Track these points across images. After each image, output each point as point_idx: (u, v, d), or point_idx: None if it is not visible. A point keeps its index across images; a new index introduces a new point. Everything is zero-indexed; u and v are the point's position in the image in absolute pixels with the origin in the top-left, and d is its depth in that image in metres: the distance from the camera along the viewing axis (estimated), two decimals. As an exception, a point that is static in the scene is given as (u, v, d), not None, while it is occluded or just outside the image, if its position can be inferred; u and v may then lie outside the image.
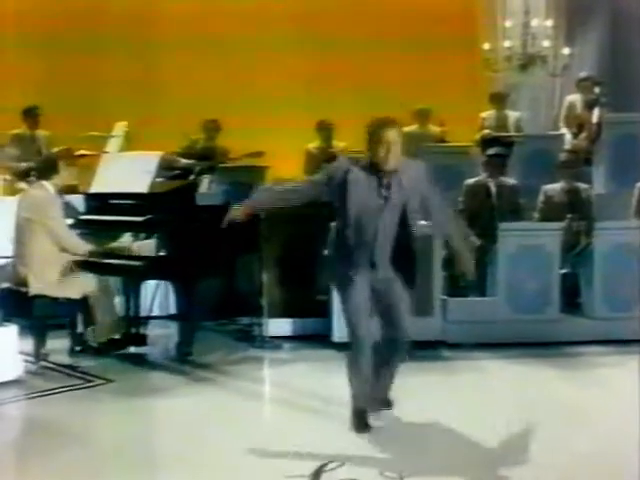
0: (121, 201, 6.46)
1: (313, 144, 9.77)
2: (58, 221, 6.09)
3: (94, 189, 6.71)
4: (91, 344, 6.34)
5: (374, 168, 4.48)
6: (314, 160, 9.37)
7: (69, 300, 6.06)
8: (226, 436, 4.76)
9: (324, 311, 6.79)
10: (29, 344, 6.15)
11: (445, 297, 6.84)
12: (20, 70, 10.62)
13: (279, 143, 9.34)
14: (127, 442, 4.72)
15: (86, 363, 6.19)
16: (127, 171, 6.47)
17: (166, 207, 6.26)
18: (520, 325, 6.77)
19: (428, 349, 6.45)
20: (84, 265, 6.21)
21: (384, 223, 4.50)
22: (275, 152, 8.77)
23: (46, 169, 6.32)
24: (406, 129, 9.64)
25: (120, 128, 8.65)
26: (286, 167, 9.16)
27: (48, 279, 6.00)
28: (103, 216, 6.55)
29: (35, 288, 5.99)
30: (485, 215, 7.45)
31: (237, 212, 4.73)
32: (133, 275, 6.40)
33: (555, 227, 7.00)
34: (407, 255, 4.60)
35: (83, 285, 6.11)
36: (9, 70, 10.56)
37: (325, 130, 9.70)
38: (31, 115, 9.19)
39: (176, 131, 8.80)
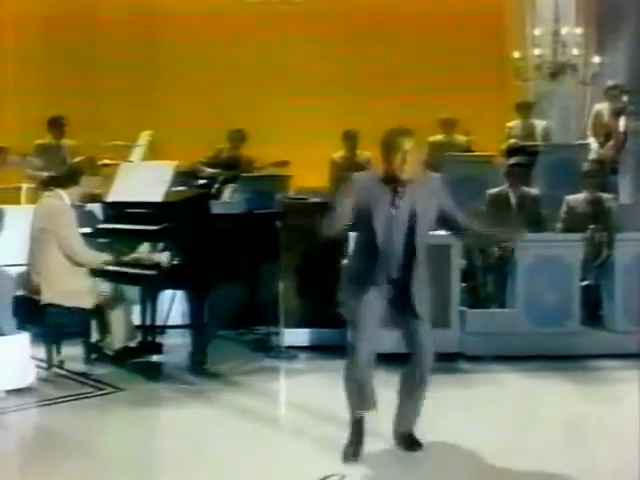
0: (137, 210, 6.47)
1: (338, 153, 9.75)
2: (70, 230, 6.09)
3: (111, 198, 6.75)
4: (106, 352, 6.36)
5: (390, 178, 4.41)
6: (339, 170, 9.34)
7: (82, 309, 6.07)
8: (233, 447, 4.74)
9: (341, 322, 6.72)
10: (43, 351, 6.19)
11: (464, 308, 6.76)
12: (45, 80, 10.75)
13: (303, 152, 9.34)
14: (132, 452, 4.74)
15: (100, 371, 6.20)
16: (143, 180, 6.49)
17: (180, 216, 6.26)
18: (539, 338, 6.67)
19: (446, 361, 6.35)
20: (99, 274, 6.23)
21: (399, 234, 4.42)
22: (299, 161, 8.79)
23: (65, 179, 6.34)
24: (432, 138, 9.71)
25: (144, 137, 8.69)
26: (310, 176, 9.14)
27: (60, 288, 6.01)
28: (119, 225, 6.57)
29: (47, 297, 6.01)
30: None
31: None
32: (147, 284, 6.40)
33: (575, 238, 6.89)
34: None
35: (96, 295, 6.12)
36: (34, 80, 10.71)
37: (350, 140, 9.65)
38: (56, 125, 9.30)
39: (200, 140, 8.87)
